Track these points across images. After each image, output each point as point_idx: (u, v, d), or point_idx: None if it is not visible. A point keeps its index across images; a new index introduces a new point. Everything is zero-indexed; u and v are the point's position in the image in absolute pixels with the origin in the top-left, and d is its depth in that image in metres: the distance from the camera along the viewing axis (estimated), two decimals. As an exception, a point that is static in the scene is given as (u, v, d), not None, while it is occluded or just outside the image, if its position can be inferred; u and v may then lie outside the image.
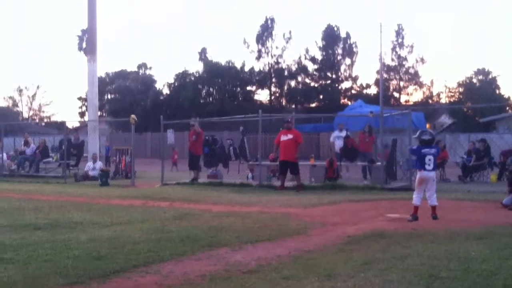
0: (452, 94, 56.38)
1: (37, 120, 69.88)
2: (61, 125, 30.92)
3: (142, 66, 60.80)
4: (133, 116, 18.98)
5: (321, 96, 55.91)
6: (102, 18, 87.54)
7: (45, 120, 71.76)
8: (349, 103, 51.60)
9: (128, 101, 51.89)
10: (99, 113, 31.17)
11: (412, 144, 12.05)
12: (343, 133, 17.78)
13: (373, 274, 5.26)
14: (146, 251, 6.45)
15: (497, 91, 52.80)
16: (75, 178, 19.72)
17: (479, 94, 48.75)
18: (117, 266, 5.70)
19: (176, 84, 55.08)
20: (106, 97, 58.55)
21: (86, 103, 38.57)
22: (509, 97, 53.64)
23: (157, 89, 56.96)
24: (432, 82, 56.36)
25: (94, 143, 22.15)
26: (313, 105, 55.89)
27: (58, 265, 5.77)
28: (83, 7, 23.49)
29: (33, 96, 72.85)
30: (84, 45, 24.09)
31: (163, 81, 70.08)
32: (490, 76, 54.64)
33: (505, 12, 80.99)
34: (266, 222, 8.82)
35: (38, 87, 71.80)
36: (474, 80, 54.97)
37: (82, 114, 64.32)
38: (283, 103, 56.84)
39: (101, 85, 40.36)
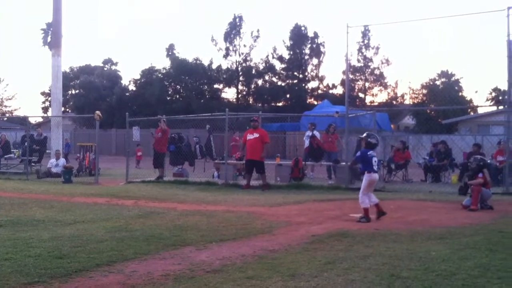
0: (416, 95, 57.29)
1: (-1, 115, 68.42)
2: (23, 120, 30.31)
3: (108, 61, 60.08)
4: (97, 112, 18.76)
5: (288, 95, 56.14)
6: (67, 12, 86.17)
7: (7, 115, 70.25)
8: (316, 102, 51.98)
9: (93, 97, 51.19)
10: (63, 108, 30.62)
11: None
12: (314, 133, 17.90)
13: (336, 274, 5.33)
14: (109, 250, 6.39)
15: (460, 93, 53.87)
16: (37, 174, 19.37)
17: (442, 96, 49.65)
18: (79, 265, 5.64)
19: (142, 80, 54.59)
20: (70, 92, 57.63)
21: (49, 98, 37.91)
22: (471, 99, 54.81)
23: (123, 85, 56.33)
24: (396, 84, 57.21)
25: (57, 139, 21.79)
26: (280, 104, 56.09)
27: (19, 263, 5.68)
28: (48, 0, 22.99)
29: (-6, 90, 71.19)
30: (49, 39, 23.66)
31: (129, 77, 69.42)
32: (453, 79, 55.72)
33: (468, 15, 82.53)
34: (232, 221, 8.84)
35: (0, 80, 70.20)
36: (438, 82, 55.96)
37: (45, 109, 63.17)
38: (250, 102, 56.89)
39: (65, 80, 39.65)
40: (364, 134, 9.66)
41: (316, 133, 17.94)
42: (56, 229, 7.88)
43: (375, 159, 9.21)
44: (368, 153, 9.25)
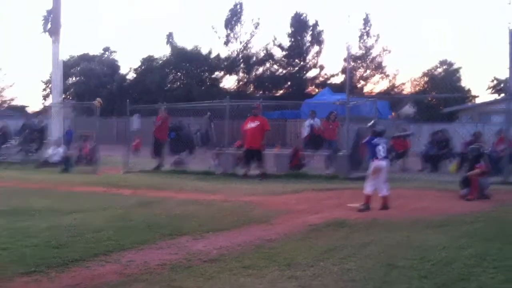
0: (416, 83, 57.13)
1: (-2, 103, 68.08)
2: (23, 109, 30.25)
3: (107, 49, 59.79)
4: (98, 99, 18.69)
5: (288, 83, 56.01)
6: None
7: (7, 103, 70.01)
8: (316, 90, 51.86)
9: (93, 84, 51.00)
10: (63, 96, 30.50)
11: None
12: (315, 121, 17.87)
13: (332, 263, 5.35)
14: (106, 239, 6.41)
15: (459, 83, 53.71)
16: (36, 163, 19.33)
17: (442, 84, 49.50)
18: (76, 254, 5.65)
19: (142, 68, 54.40)
20: (70, 79, 57.40)
21: (50, 86, 37.79)
22: (469, 89, 54.64)
23: (123, 73, 56.17)
24: (397, 72, 57.08)
25: (57, 127, 21.74)
26: (281, 92, 55.95)
27: (16, 253, 5.70)
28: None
29: (-7, 79, 70.91)
30: (48, 26, 23.57)
31: (128, 66, 69.06)
32: (453, 67, 55.55)
33: (469, 5, 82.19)
34: (229, 211, 8.85)
35: (-2, 69, 69.92)
36: (439, 70, 55.79)
37: (45, 97, 62.98)
38: (251, 90, 56.76)
39: (65, 68, 39.42)
40: (371, 122, 9.66)
41: (317, 120, 17.90)
42: (53, 219, 7.88)
43: (380, 147, 9.17)
44: (373, 140, 9.24)
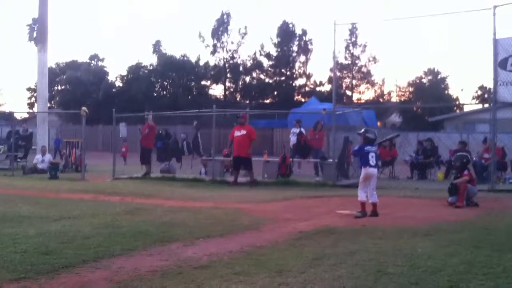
0: (402, 93, 57.60)
1: (-16, 111, 67.52)
2: (9, 116, 30.02)
3: (94, 57, 59.61)
4: (83, 108, 18.62)
5: (275, 92, 56.18)
6: (53, 7, 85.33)
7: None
8: (303, 100, 52.08)
9: (79, 93, 50.74)
10: (48, 104, 30.38)
11: (356, 143, 12.29)
12: (299, 130, 17.96)
13: (322, 270, 5.35)
14: (96, 246, 6.37)
15: (446, 92, 54.22)
16: (23, 170, 19.20)
17: (428, 93, 49.93)
18: (66, 261, 5.61)
19: (129, 76, 54.28)
20: (56, 88, 57.13)
21: (35, 94, 37.59)
22: (457, 97, 55.19)
23: (110, 81, 55.98)
24: (383, 81, 57.51)
25: (43, 135, 21.64)
26: (268, 101, 56.10)
27: (5, 259, 5.63)
28: (33, -5, 22.79)
29: (-20, 86, 70.39)
30: (34, 34, 23.45)
31: (116, 73, 68.83)
32: (439, 77, 56.06)
33: (455, 13, 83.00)
34: (219, 218, 8.84)
35: (-15, 76, 69.40)
36: (424, 80, 56.29)
37: (31, 105, 62.57)
38: (238, 99, 56.83)
39: (52, 76, 39.23)
40: (362, 130, 9.72)
41: (302, 130, 18.01)
42: (42, 225, 7.82)
43: (372, 154, 9.24)
44: (365, 148, 9.31)
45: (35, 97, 36.42)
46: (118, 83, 55.98)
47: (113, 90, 54.26)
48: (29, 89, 63.70)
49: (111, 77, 56.69)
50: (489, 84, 16.09)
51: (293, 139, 18.17)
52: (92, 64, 58.37)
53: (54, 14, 58.84)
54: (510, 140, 17.41)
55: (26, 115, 46.51)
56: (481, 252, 6.10)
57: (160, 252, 6.16)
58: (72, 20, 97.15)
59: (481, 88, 55.55)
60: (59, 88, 57.61)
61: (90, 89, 51.76)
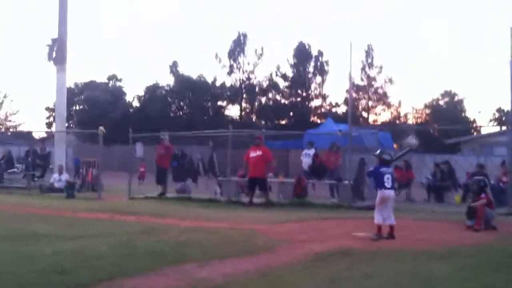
0: (419, 115, 57.42)
1: (3, 130, 68.25)
2: (27, 135, 30.34)
3: (112, 78, 60.26)
4: (101, 127, 18.76)
5: (291, 113, 56.26)
6: (73, 28, 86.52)
7: (11, 130, 70.26)
8: (319, 121, 52.05)
9: (97, 113, 51.20)
10: (66, 124, 30.72)
11: (371, 164, 12.21)
12: (311, 151, 17.97)
13: (338, 292, 5.32)
14: (111, 265, 6.38)
15: (463, 114, 53.95)
16: (40, 189, 19.35)
17: (445, 115, 49.71)
18: (81, 280, 5.63)
19: (146, 96, 54.76)
20: (74, 107, 57.76)
21: (53, 113, 37.99)
22: (474, 120, 54.84)
23: (127, 101, 56.50)
24: (399, 103, 57.39)
25: (60, 154, 21.81)
26: (283, 122, 56.18)
27: (21, 278, 5.68)
28: (53, 15, 23.14)
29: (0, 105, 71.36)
30: (54, 54, 23.79)
31: (133, 93, 69.42)
32: (455, 99, 55.84)
33: (471, 36, 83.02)
34: (234, 238, 8.83)
35: (5, 96, 70.42)
36: (441, 102, 56.10)
37: (49, 125, 63.27)
38: (253, 119, 56.98)
39: (70, 96, 39.66)
40: (378, 151, 9.66)
41: (313, 150, 18.02)
42: (58, 244, 7.86)
43: (387, 176, 9.15)
44: (381, 169, 9.22)
45: (54, 117, 36.78)
46: (135, 103, 56.51)
47: (130, 110, 54.75)
48: (47, 108, 64.46)
49: (128, 97, 57.28)
50: (507, 107, 16.00)
51: (305, 161, 18.17)
52: (110, 84, 58.99)
53: (74, 34, 59.59)
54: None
55: (44, 135, 47.02)
56: (500, 276, 6.03)
57: (174, 272, 6.15)
58: (91, 41, 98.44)
59: (499, 110, 55.21)
60: (77, 108, 58.24)
61: (108, 108, 52.25)
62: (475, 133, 42.32)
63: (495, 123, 55.08)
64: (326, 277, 5.96)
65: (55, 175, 20.20)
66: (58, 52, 23.04)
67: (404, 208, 14.08)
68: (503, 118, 50.42)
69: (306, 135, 26.73)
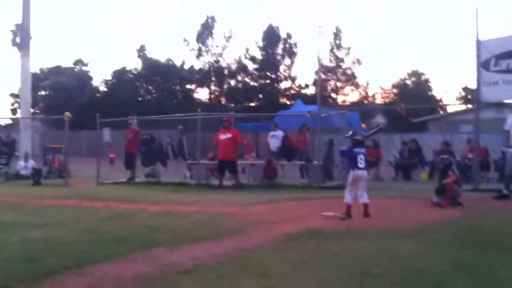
0: (386, 95, 57.97)
1: (-35, 117, 66.64)
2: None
3: (78, 62, 59.22)
4: (67, 113, 18.41)
5: (260, 96, 56.25)
6: (37, 13, 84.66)
7: (-25, 117, 68.64)
8: (288, 102, 52.18)
9: (63, 98, 50.32)
10: (32, 110, 30.23)
11: (340, 145, 12.29)
12: (277, 133, 18.04)
13: (307, 272, 5.35)
14: (79, 252, 6.28)
15: (430, 93, 54.65)
16: (5, 177, 19.01)
17: (412, 95, 50.29)
18: (48, 268, 5.52)
19: (113, 81, 54.04)
20: (40, 93, 56.66)
21: (18, 100, 37.27)
22: (440, 99, 55.62)
23: (94, 86, 55.68)
24: (367, 83, 57.86)
25: (26, 141, 21.45)
26: (253, 104, 56.15)
27: (-14, 267, 5.55)
28: (17, 1, 22.67)
29: (-38, 92, 69.65)
30: (18, 40, 23.30)
31: (100, 78, 68.39)
32: (422, 78, 56.50)
33: (437, 16, 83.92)
34: (204, 222, 8.80)
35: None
36: (408, 82, 56.70)
37: (14, 111, 62.01)
38: (223, 102, 56.82)
39: (35, 81, 38.92)
40: (350, 132, 9.68)
41: (279, 132, 18.10)
42: (25, 232, 7.71)
43: (360, 156, 9.19)
44: (354, 150, 9.26)
45: (18, 103, 36.08)
46: (103, 88, 55.75)
47: (97, 95, 53.99)
48: (12, 94, 63.14)
49: (95, 82, 56.45)
50: (473, 85, 16.23)
51: (272, 142, 18.23)
52: (76, 69, 57.98)
53: (38, 19, 58.34)
54: (493, 140, 17.54)
55: (9, 121, 46.04)
56: (466, 252, 6.13)
57: (144, 258, 6.09)
58: (56, 26, 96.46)
59: (465, 89, 56.10)
60: (43, 93, 57.15)
61: (74, 94, 51.37)
62: (441, 112, 43.02)
63: (461, 102, 56.01)
64: (296, 258, 5.98)
65: (21, 162, 19.88)
66: (22, 37, 22.62)
67: (373, 187, 14.18)
68: (469, 97, 51.25)
69: (276, 116, 26.77)
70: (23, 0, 22.07)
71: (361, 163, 9.17)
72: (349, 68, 56.07)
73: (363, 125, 20.88)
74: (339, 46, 55.42)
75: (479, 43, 13.86)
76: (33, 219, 9.10)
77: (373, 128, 18.53)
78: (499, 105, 12.74)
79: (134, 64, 56.21)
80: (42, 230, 7.96)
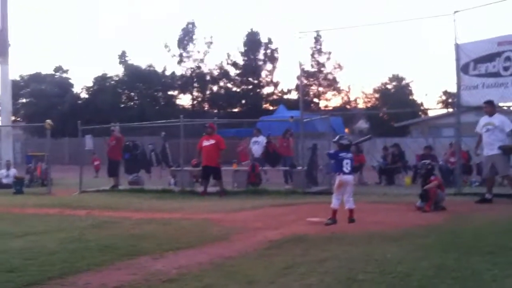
0: (368, 99, 58.33)
1: None
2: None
3: (59, 69, 58.66)
4: (48, 121, 18.25)
5: (243, 101, 56.26)
6: (15, 19, 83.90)
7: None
8: (271, 108, 52.26)
9: (44, 105, 49.82)
10: (13, 118, 29.90)
11: (331, 148, 12.30)
12: (260, 138, 18.06)
13: (293, 279, 5.33)
14: (61, 262, 6.21)
15: (411, 97, 55.10)
16: (-14, 186, 18.76)
17: (394, 99, 50.67)
18: (30, 278, 5.46)
19: (95, 88, 53.66)
20: (20, 101, 56.06)
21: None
22: (421, 103, 56.09)
23: (75, 92, 55.22)
24: (349, 88, 58.16)
25: (7, 149, 21.22)
26: (236, 110, 56.14)
27: (-33, 278, 5.46)
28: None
29: None
30: (-5, 46, 23.04)
31: (81, 84, 67.89)
32: (403, 82, 56.95)
33: (417, 20, 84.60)
34: (188, 229, 8.75)
35: None
36: (389, 86, 57.11)
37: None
38: (206, 108, 56.73)
39: (15, 89, 38.55)
40: (337, 137, 9.69)
41: (262, 138, 18.13)
42: (6, 242, 7.62)
43: (346, 161, 9.19)
44: (340, 154, 9.26)
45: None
46: (84, 95, 55.30)
47: (79, 102, 53.54)
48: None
49: (76, 89, 55.98)
50: (453, 89, 16.33)
51: (255, 148, 18.26)
52: (56, 76, 57.44)
53: (16, 26, 57.74)
54: (474, 143, 17.72)
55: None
56: (450, 256, 6.15)
57: (128, 266, 6.04)
58: (35, 32, 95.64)
59: (445, 93, 56.62)
60: (24, 101, 56.53)
61: (55, 101, 50.87)
62: (423, 116, 43.34)
63: (442, 106, 56.55)
64: (281, 264, 5.96)
65: (3, 171, 19.66)
66: (0, 44, 22.35)
67: (357, 192, 14.21)
68: (450, 100, 51.74)
69: (259, 122, 26.81)
70: (0, 5, 21.90)
71: (347, 168, 9.18)
72: (331, 73, 56.32)
73: (347, 130, 20.97)
74: (320, 51, 55.64)
75: (457, 47, 13.95)
76: (15, 228, 8.99)
77: (356, 133, 18.62)
78: (480, 109, 12.82)
79: (116, 71, 55.99)
80: (24, 239, 7.87)
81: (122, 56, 55.42)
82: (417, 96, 62.10)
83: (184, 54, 55.39)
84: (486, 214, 10.07)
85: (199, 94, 57.37)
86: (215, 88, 57.11)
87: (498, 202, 11.61)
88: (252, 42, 55.61)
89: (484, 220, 9.22)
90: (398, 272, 5.45)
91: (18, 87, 49.84)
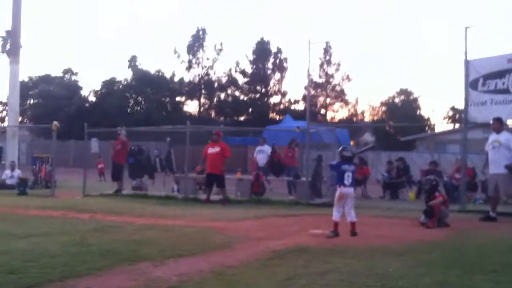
0: (375, 113, 58.29)
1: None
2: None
3: (68, 71, 58.95)
4: (55, 122, 18.29)
5: (250, 110, 56.29)
6: (27, 20, 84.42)
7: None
8: (278, 117, 52.27)
9: (52, 107, 50.06)
10: (20, 118, 30.07)
11: (328, 161, 12.29)
12: (265, 147, 18.04)
13: (294, 290, 5.30)
14: (63, 265, 6.20)
15: (418, 112, 55.00)
16: (-9, 185, 18.79)
17: (401, 113, 50.58)
18: (31, 280, 5.45)
19: (103, 91, 53.86)
20: (28, 101, 56.33)
21: (6, 108, 37.02)
22: (428, 118, 55.97)
23: (83, 95, 55.45)
24: (356, 100, 58.16)
25: (13, 150, 21.27)
26: (242, 118, 56.17)
27: (-32, 278, 5.46)
28: (7, 7, 22.60)
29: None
30: (7, 46, 23.18)
31: (90, 87, 68.12)
32: (411, 97, 56.87)
33: (427, 35, 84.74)
34: (190, 236, 8.73)
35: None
36: (397, 100, 57.05)
37: (1, 119, 61.57)
38: (212, 115, 56.82)
39: (24, 89, 38.81)
40: (340, 148, 9.68)
41: (267, 147, 18.11)
42: (8, 243, 7.63)
43: (348, 174, 9.15)
44: (342, 166, 9.24)
45: (6, 111, 35.84)
46: (92, 98, 55.52)
47: (86, 104, 53.75)
48: (0, 102, 62.72)
49: (84, 92, 56.22)
50: (460, 105, 16.27)
51: (259, 157, 18.22)
52: (65, 78, 57.71)
53: (28, 27, 58.17)
54: (480, 160, 17.65)
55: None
56: (452, 273, 6.11)
57: (128, 272, 6.02)
58: (46, 34, 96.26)
59: (453, 109, 56.50)
60: (32, 102, 56.80)
61: (63, 103, 51.10)
62: (429, 131, 43.24)
63: (449, 121, 56.43)
64: (282, 275, 5.93)
65: (7, 172, 19.67)
66: (11, 44, 22.51)
67: (361, 205, 14.21)
68: (457, 117, 51.61)
69: (265, 131, 26.80)
70: (13, 7, 22.06)
71: (348, 181, 9.15)
72: (339, 84, 56.34)
73: (352, 143, 20.96)
74: (329, 62, 55.69)
75: (467, 63, 13.92)
76: (17, 229, 9.00)
77: (361, 146, 18.60)
78: (487, 126, 12.75)
79: (124, 75, 56.19)
80: (26, 241, 7.87)
81: (132, 60, 55.64)
82: (425, 111, 61.94)
83: (193, 61, 55.52)
84: (490, 232, 10.02)
85: (206, 101, 57.47)
86: (222, 95, 57.22)
87: (502, 220, 11.55)
88: (262, 51, 55.72)
89: (488, 238, 9.17)
90: (399, 287, 5.42)
91: (26, 88, 50.10)
